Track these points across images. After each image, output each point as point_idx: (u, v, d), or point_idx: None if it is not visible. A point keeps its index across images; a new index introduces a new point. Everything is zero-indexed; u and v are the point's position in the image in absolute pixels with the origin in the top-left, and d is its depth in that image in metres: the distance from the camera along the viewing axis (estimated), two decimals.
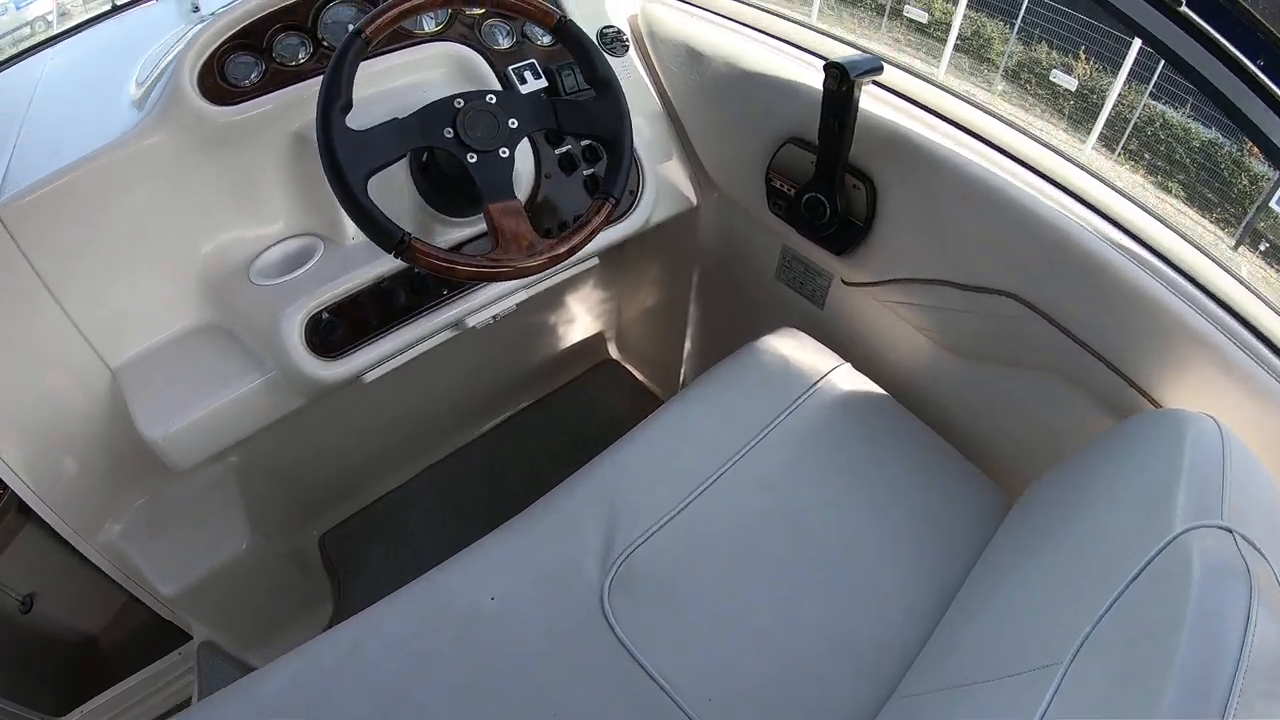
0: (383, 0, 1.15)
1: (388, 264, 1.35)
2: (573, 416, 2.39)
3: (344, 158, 1.06)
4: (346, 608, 1.94)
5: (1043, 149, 1.37)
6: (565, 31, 1.23)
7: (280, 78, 1.37)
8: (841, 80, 1.27)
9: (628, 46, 1.77)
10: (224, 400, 1.32)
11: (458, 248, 1.42)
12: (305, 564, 2.00)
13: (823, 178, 1.44)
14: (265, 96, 1.35)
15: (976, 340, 1.40)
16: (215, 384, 1.33)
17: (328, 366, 1.29)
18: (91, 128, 1.37)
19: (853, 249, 1.51)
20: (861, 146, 1.38)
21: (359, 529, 2.11)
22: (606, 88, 1.26)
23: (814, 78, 1.45)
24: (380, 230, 1.07)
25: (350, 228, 1.37)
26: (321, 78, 1.10)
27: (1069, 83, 3.60)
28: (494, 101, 1.17)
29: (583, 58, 1.26)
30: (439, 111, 1.14)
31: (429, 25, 1.52)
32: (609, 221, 1.27)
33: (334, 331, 1.29)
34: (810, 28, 1.68)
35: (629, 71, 1.76)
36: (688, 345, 2.28)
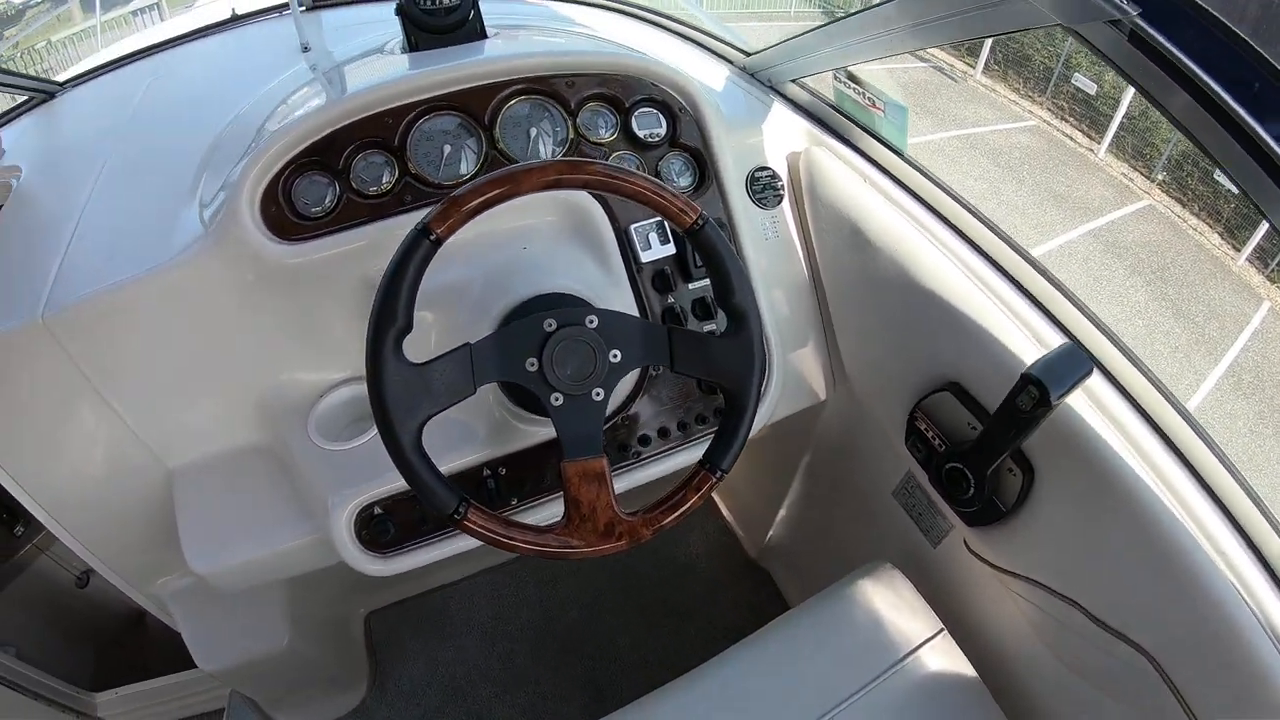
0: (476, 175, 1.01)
1: (461, 456, 1.22)
2: (659, 547, 2.24)
3: (396, 403, 0.89)
4: (381, 690, 1.95)
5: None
6: (703, 239, 0.98)
7: (355, 209, 1.21)
8: (1039, 403, 1.03)
9: (781, 196, 1.51)
10: (271, 550, 1.27)
11: (531, 454, 1.26)
12: (348, 637, 2.00)
13: (978, 457, 1.22)
14: (335, 235, 1.20)
15: (1092, 674, 1.26)
16: (264, 528, 1.27)
17: (375, 563, 1.20)
18: (151, 234, 1.31)
19: (986, 526, 1.30)
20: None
21: (406, 616, 2.10)
22: (741, 322, 1.01)
23: (1001, 326, 1.21)
24: (434, 499, 0.92)
25: None
26: (392, 271, 0.91)
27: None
28: (594, 326, 0.95)
29: (719, 276, 1.01)
30: (523, 336, 0.94)
31: (545, 152, 1.31)
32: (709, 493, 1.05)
33: (385, 531, 1.19)
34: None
35: (778, 227, 1.52)
36: (782, 512, 2.08)
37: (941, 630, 1.40)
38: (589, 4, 2.17)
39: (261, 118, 1.45)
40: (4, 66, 1.96)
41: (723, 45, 1.80)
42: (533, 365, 0.93)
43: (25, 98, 2.19)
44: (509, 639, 2.02)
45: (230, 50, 2.12)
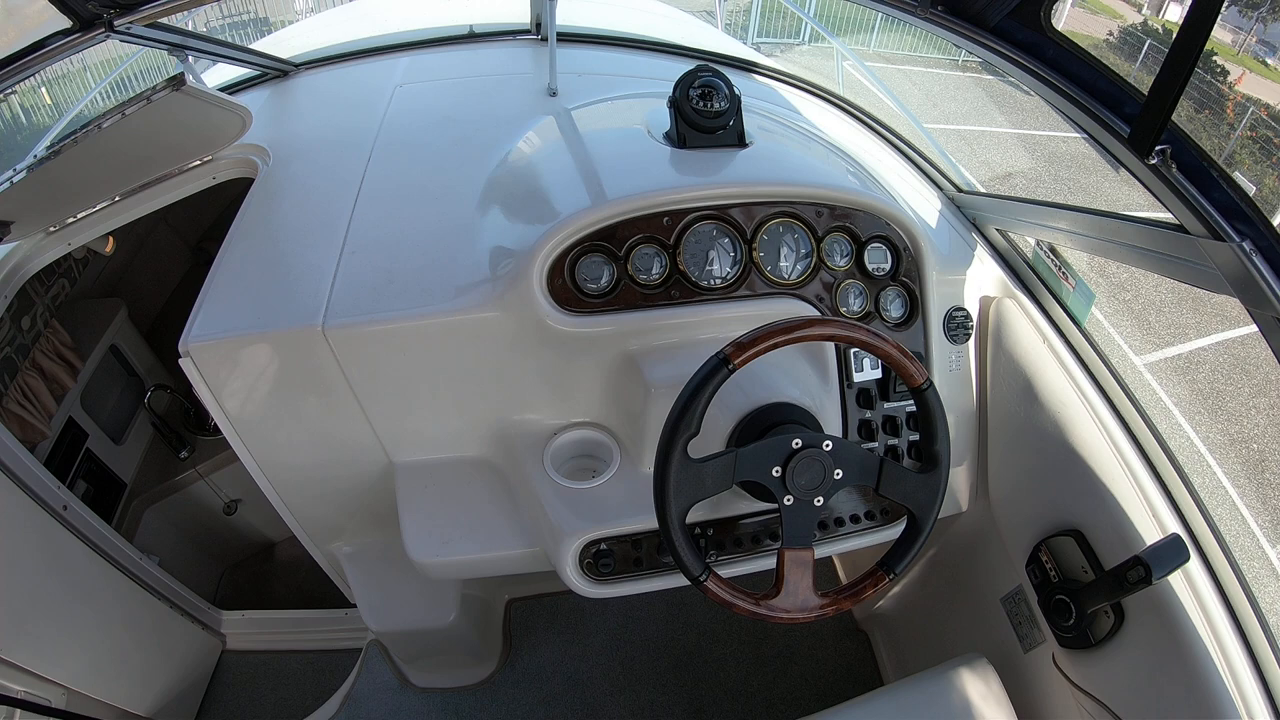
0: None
1: None
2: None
3: (676, 489, 1.11)
4: (510, 669, 2.17)
5: None
6: (925, 398, 1.20)
7: (629, 294, 1.41)
8: (1142, 580, 1.23)
9: (969, 335, 1.67)
10: (490, 554, 1.48)
11: (734, 522, 1.45)
12: (490, 618, 2.22)
13: (1085, 598, 1.40)
14: (611, 316, 1.40)
15: None
16: (486, 534, 1.49)
17: (591, 587, 1.38)
18: (431, 269, 1.50)
19: (1075, 649, 1.47)
20: None
21: (544, 609, 2.31)
22: (935, 465, 1.22)
23: (1129, 498, 1.39)
24: (685, 564, 1.13)
25: (647, 458, 1.42)
26: (683, 396, 1.11)
27: None
28: (828, 450, 1.15)
29: (928, 427, 1.22)
30: (774, 449, 1.15)
31: (787, 270, 1.48)
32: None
33: (607, 564, 1.37)
34: None
35: (961, 361, 1.68)
36: (896, 589, 2.21)
37: None
38: (815, 94, 2.34)
39: (531, 169, 1.70)
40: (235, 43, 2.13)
41: (937, 173, 1.95)
42: (777, 473, 1.14)
43: (258, 72, 2.42)
44: (631, 647, 2.22)
45: (473, 71, 2.33)
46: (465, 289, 1.44)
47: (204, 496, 2.73)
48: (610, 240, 1.40)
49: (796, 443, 1.14)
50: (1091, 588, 1.38)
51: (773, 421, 1.26)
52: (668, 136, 1.58)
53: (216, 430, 2.76)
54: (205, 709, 2.46)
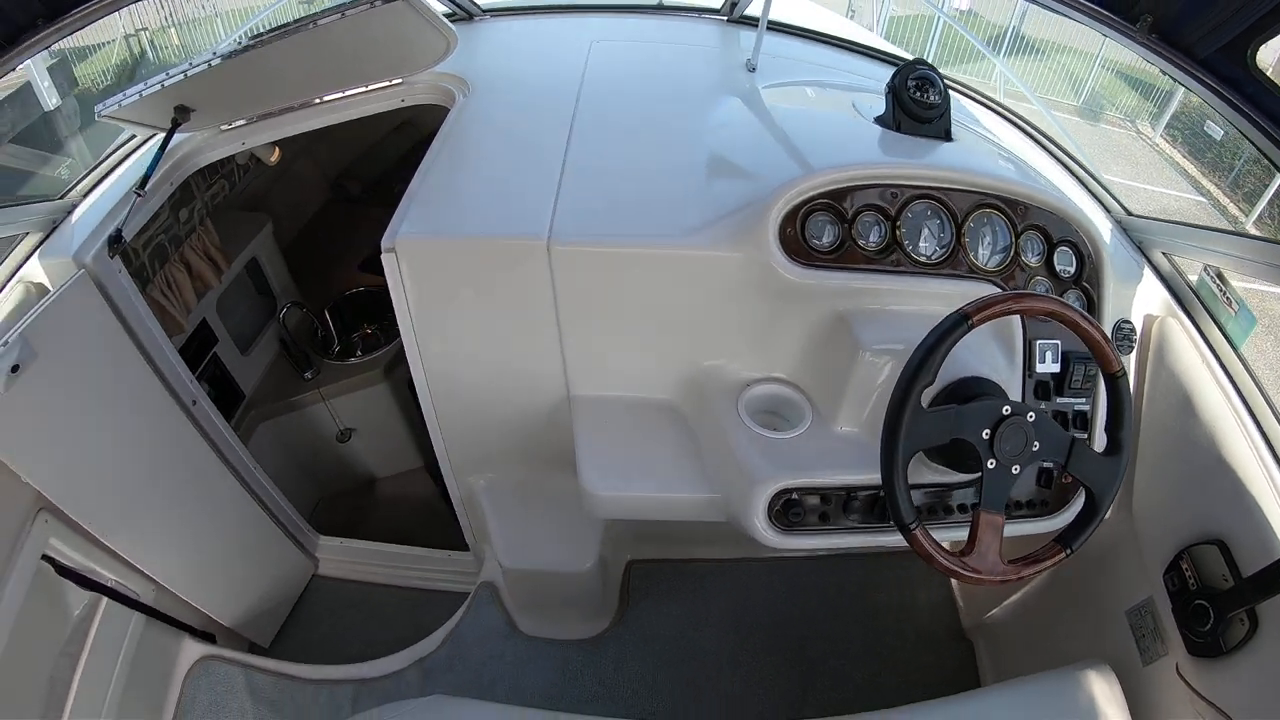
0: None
1: (861, 476, 1.41)
2: (892, 590, 2.37)
3: (907, 434, 1.16)
4: (622, 628, 2.17)
5: None
6: (1118, 384, 1.26)
7: (852, 255, 1.45)
8: None
9: (1132, 347, 1.68)
10: (666, 494, 1.50)
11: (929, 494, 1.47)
12: (610, 576, 2.20)
13: (1225, 604, 1.37)
14: (834, 272, 1.43)
15: None
16: (664, 476, 1.51)
17: (777, 537, 1.39)
18: (650, 204, 1.54)
19: (1204, 658, 1.42)
20: None
21: (663, 573, 2.29)
22: (1119, 450, 1.28)
23: (1276, 515, 1.36)
24: (899, 508, 1.19)
25: (842, 417, 1.46)
26: (912, 356, 1.17)
27: None
28: (1031, 420, 1.21)
29: (1117, 415, 1.27)
30: (989, 412, 1.21)
31: (985, 259, 1.52)
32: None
33: (798, 515, 1.39)
34: None
35: None
36: (1015, 597, 2.16)
37: None
38: (989, 106, 2.37)
39: (752, 128, 1.81)
40: None
41: (1107, 195, 1.97)
42: (986, 435, 1.21)
43: (449, 9, 2.41)
44: (747, 622, 2.21)
45: (662, 39, 2.43)
46: (694, 227, 1.47)
47: (320, 420, 2.74)
48: (839, 202, 1.45)
49: (1006, 409, 1.20)
50: (1233, 592, 1.37)
51: (973, 393, 1.30)
52: (880, 120, 1.67)
53: (342, 355, 2.83)
54: (286, 630, 2.45)
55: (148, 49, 8.95)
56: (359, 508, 2.90)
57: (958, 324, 1.15)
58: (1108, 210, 1.93)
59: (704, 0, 2.64)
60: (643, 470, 1.51)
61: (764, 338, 1.53)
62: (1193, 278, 1.70)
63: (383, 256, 1.49)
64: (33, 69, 5.16)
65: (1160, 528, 1.58)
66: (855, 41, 2.52)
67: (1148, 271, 1.73)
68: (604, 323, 1.54)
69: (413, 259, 1.49)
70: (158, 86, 1.62)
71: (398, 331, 2.73)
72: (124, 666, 1.87)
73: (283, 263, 2.86)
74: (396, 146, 3.48)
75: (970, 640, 2.27)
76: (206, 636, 2.22)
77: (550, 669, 2.06)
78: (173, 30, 9.20)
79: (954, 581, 2.42)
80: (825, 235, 1.45)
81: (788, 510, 1.38)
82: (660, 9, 2.60)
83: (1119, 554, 1.78)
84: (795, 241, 1.43)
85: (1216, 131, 10.25)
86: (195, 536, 2.07)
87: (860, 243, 1.45)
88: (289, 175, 3.06)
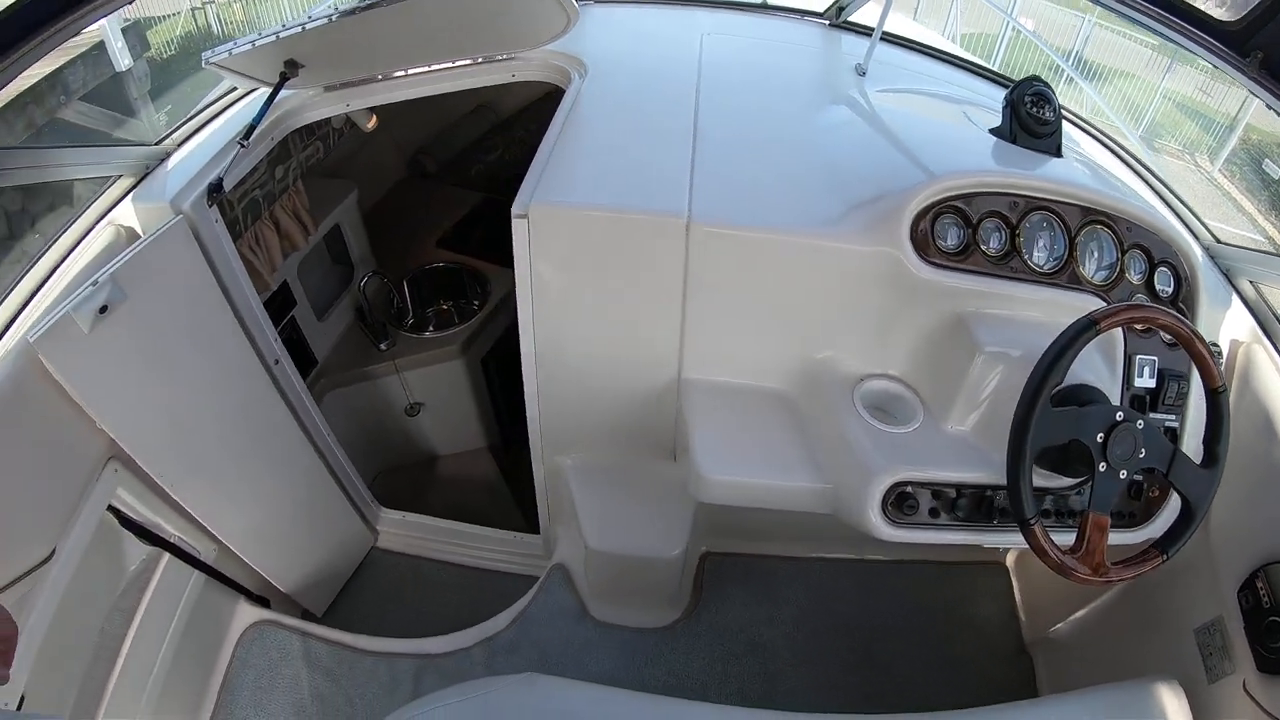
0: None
1: (970, 475, 1.43)
2: (955, 600, 2.36)
3: (1035, 432, 1.21)
4: (694, 620, 2.16)
5: None
6: (1219, 399, 1.31)
7: (976, 259, 1.48)
8: None
9: None
10: (775, 483, 1.52)
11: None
12: (685, 567, 2.17)
13: None
14: (957, 274, 1.46)
15: None
16: (777, 464, 1.53)
17: (888, 530, 1.41)
18: (783, 193, 1.57)
19: (1275, 673, 1.42)
20: None
21: (737, 568, 2.28)
22: (1216, 462, 1.33)
23: None
24: (1020, 503, 1.23)
25: (953, 417, 1.48)
26: (1042, 357, 1.22)
27: None
28: (1140, 428, 1.26)
29: (1216, 429, 1.32)
30: (1105, 416, 1.26)
31: (1092, 272, 1.55)
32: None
33: (912, 508, 1.41)
34: None
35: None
36: (1081, 613, 2.14)
37: None
38: (1085, 129, 2.37)
39: (878, 128, 1.86)
40: None
41: (1196, 221, 2.00)
42: (1100, 438, 1.25)
43: None
44: (819, 622, 2.21)
45: (771, 36, 2.46)
46: (830, 219, 1.49)
47: (391, 391, 2.74)
48: (968, 205, 1.48)
49: (1120, 415, 1.26)
50: None
51: (1084, 399, 1.34)
52: (995, 131, 1.74)
53: (415, 328, 2.81)
54: (341, 599, 2.43)
55: (213, 22, 9.05)
56: (418, 483, 2.89)
57: (1086, 328, 1.21)
58: (1196, 236, 1.95)
59: (806, 3, 2.67)
60: (757, 457, 1.52)
61: (881, 333, 1.55)
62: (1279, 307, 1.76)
63: (513, 222, 1.49)
64: (107, 28, 5.20)
65: (1237, 546, 1.59)
66: (956, 55, 2.54)
67: (1234, 298, 1.77)
68: (728, 307, 1.55)
69: (543, 226, 1.49)
70: (272, 38, 1.62)
71: (472, 310, 2.79)
72: (179, 625, 1.86)
73: (364, 232, 2.87)
74: (474, 128, 3.49)
75: (1030, 655, 2.26)
76: (261, 601, 2.20)
77: (619, 655, 2.04)
78: (237, 5, 9.30)
79: (1016, 595, 2.45)
80: (950, 237, 1.48)
81: (901, 503, 1.41)
82: (764, 8, 2.64)
83: (1191, 572, 1.79)
84: (924, 241, 1.45)
85: (1276, 170, 10.09)
86: (263, 498, 2.06)
87: (983, 247, 1.48)
88: (370, 146, 3.07)
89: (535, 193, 1.50)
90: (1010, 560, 2.42)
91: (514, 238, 1.50)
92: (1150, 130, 11.09)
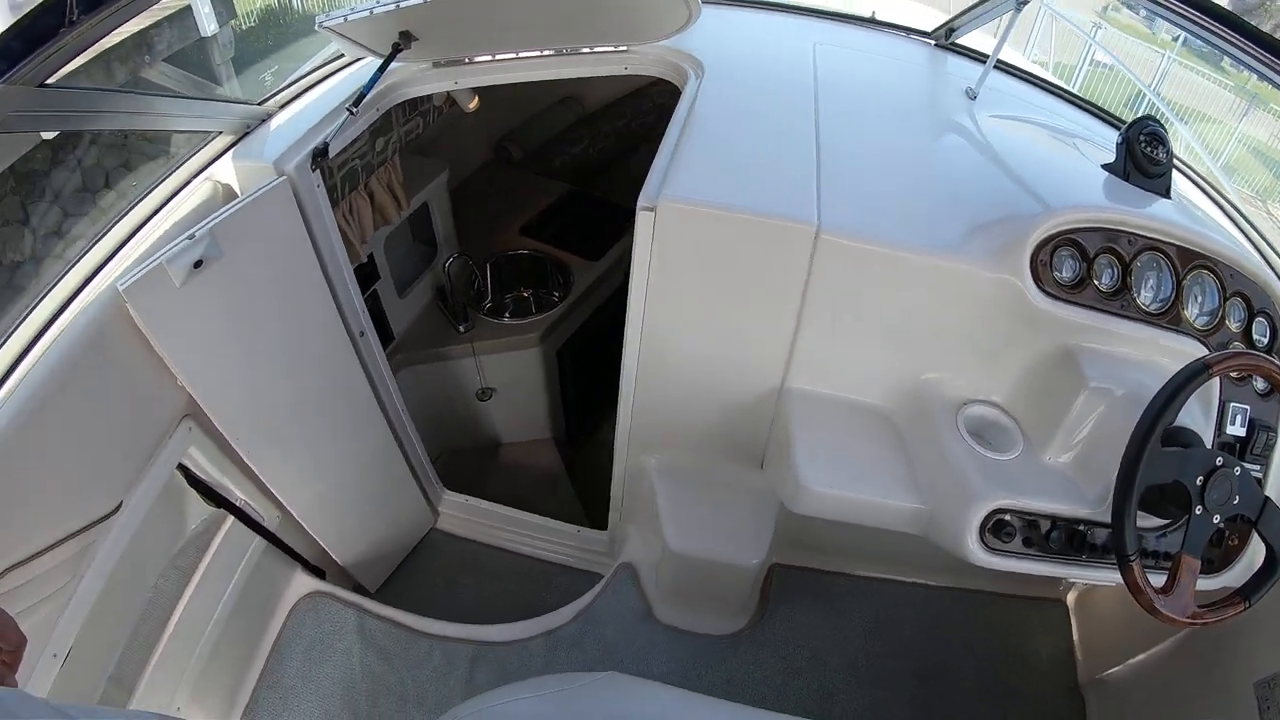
0: None
1: (1067, 507, 1.43)
2: (1013, 635, 2.32)
3: (1145, 469, 1.22)
4: (758, 631, 2.15)
5: None
6: None
7: (1087, 294, 1.47)
8: None
9: None
10: (877, 501, 1.51)
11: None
12: (758, 575, 2.16)
13: None
14: (1072, 307, 1.46)
15: None
16: (878, 481, 1.53)
17: (984, 556, 1.41)
18: (911, 214, 1.55)
19: None
20: None
21: (806, 582, 2.27)
22: None
23: None
24: (1122, 539, 1.23)
25: (1053, 449, 1.49)
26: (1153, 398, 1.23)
27: None
28: (1238, 474, 1.27)
29: None
30: (1206, 460, 1.27)
31: (1194, 316, 1.54)
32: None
33: (1009, 536, 1.41)
34: None
35: None
36: (1140, 658, 2.12)
37: None
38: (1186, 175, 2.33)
39: (994, 153, 1.84)
40: None
41: None
42: (1199, 481, 1.26)
43: None
44: (881, 644, 2.20)
45: (879, 51, 2.44)
46: (953, 242, 1.49)
47: (464, 374, 2.75)
48: (1085, 240, 1.48)
49: (1219, 460, 1.27)
50: None
51: (1184, 441, 1.34)
52: (1108, 167, 1.72)
53: (493, 313, 2.81)
54: (396, 578, 2.43)
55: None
56: (480, 469, 2.88)
57: (1200, 371, 1.23)
58: None
59: (912, 19, 2.66)
60: (857, 472, 1.52)
61: (989, 359, 1.54)
62: None
63: (638, 214, 1.48)
64: None
65: None
66: (1061, 86, 2.50)
67: None
68: (842, 320, 1.55)
69: (669, 221, 1.48)
70: (391, 6, 1.60)
71: (552, 300, 2.78)
72: (235, 589, 1.87)
73: (451, 212, 2.87)
74: (559, 119, 3.48)
75: (1082, 694, 2.24)
76: (317, 572, 2.19)
77: (681, 659, 2.03)
78: None
79: (1074, 633, 2.44)
80: (1066, 269, 1.47)
81: (999, 530, 1.42)
82: (873, 22, 2.62)
83: (1254, 625, 1.77)
84: (1042, 270, 1.45)
85: None
86: (332, 468, 2.06)
87: (1096, 282, 1.48)
88: (459, 128, 3.07)
89: (664, 187, 1.49)
90: (1071, 598, 2.38)
91: (637, 230, 1.50)
92: (1223, 173, 10.78)
